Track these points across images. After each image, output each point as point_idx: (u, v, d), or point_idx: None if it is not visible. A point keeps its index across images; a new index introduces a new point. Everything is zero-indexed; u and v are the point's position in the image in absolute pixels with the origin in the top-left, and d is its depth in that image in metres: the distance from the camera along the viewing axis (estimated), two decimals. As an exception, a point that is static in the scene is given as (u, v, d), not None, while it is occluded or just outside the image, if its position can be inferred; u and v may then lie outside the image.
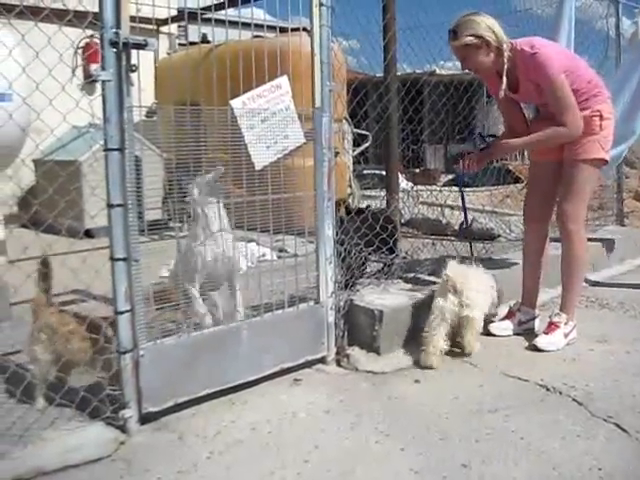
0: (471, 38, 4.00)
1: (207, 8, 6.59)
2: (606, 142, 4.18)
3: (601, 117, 4.12)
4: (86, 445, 2.89)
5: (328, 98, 3.71)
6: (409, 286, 4.50)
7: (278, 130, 3.51)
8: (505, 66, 4.04)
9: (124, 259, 2.89)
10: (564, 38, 5.85)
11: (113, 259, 2.89)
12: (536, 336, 4.29)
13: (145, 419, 3.08)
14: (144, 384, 3.01)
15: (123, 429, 2.99)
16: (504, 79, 4.07)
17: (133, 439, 2.98)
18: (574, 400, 3.41)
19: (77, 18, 3.20)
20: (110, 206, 2.86)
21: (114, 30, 2.81)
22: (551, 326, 4.28)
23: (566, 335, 4.25)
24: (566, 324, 4.27)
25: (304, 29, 4.30)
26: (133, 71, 2.88)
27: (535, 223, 4.49)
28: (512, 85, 4.15)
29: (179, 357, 3.17)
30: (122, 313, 2.92)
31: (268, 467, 2.78)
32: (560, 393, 3.51)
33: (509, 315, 4.56)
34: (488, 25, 4.01)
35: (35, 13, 3.20)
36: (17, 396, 3.11)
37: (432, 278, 4.68)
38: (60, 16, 3.45)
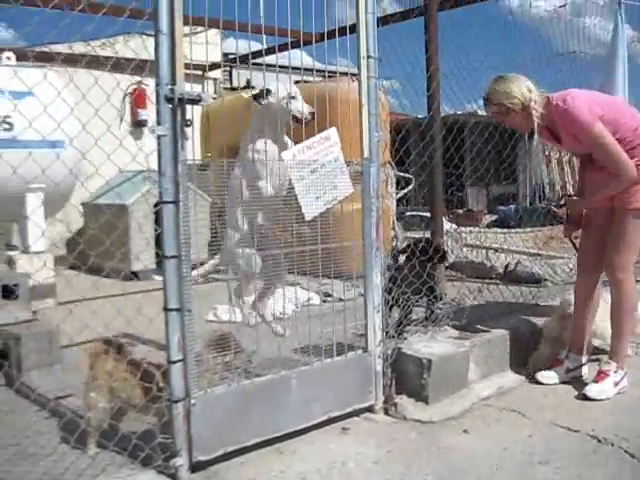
0: (496, 108, 4.24)
1: (257, 53, 6.76)
2: None
3: None
4: (137, 493, 2.93)
5: (376, 148, 3.76)
6: (456, 333, 4.50)
7: (327, 181, 3.57)
8: (535, 123, 4.16)
9: (177, 309, 2.94)
10: (621, 79, 5.84)
11: (167, 309, 2.95)
12: (585, 384, 4.24)
13: (195, 467, 3.10)
14: (195, 433, 3.04)
15: (174, 477, 3.02)
16: (536, 135, 4.21)
17: (184, 487, 3.01)
18: (627, 452, 3.37)
19: (125, 65, 3.32)
20: (165, 257, 2.92)
21: (169, 86, 2.90)
22: (601, 374, 4.24)
23: (616, 384, 4.20)
24: (616, 372, 4.22)
25: (347, 74, 4.41)
26: (188, 126, 2.96)
27: (588, 269, 4.47)
28: (556, 137, 4.27)
29: (229, 406, 3.20)
30: (175, 362, 2.96)
31: (319, 518, 2.79)
32: (612, 445, 3.46)
33: (556, 363, 4.52)
34: (511, 91, 4.16)
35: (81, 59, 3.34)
36: (71, 443, 3.16)
37: (479, 326, 4.68)
38: (108, 62, 3.59)
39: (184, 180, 2.93)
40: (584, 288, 4.49)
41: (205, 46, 3.77)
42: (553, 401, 4.14)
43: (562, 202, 4.56)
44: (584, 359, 4.51)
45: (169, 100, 2.90)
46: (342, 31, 3.91)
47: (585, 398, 4.12)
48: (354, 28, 3.77)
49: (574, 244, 4.87)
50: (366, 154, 3.72)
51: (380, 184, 3.80)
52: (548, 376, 4.44)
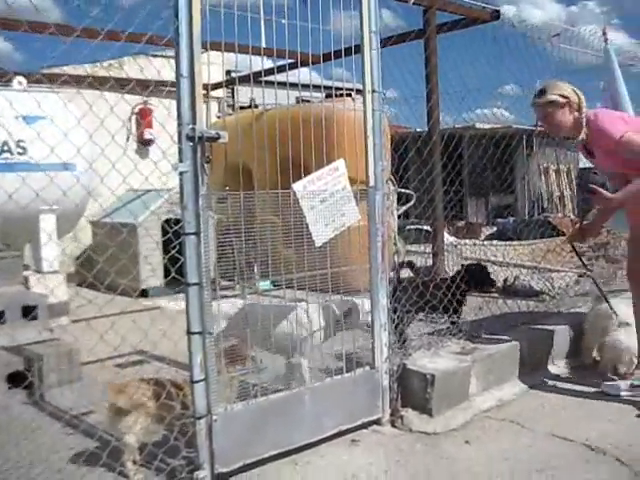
0: (556, 96, 4.33)
1: (261, 72, 6.93)
2: None
3: None
4: (165, 504, 3.16)
5: (381, 177, 4.00)
6: (458, 349, 4.72)
7: (336, 209, 3.80)
8: (584, 131, 4.31)
9: (199, 332, 3.17)
10: (621, 88, 6.04)
11: (189, 332, 3.17)
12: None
13: (217, 479, 3.31)
14: (216, 447, 3.26)
15: (197, 489, 3.25)
16: (581, 137, 4.35)
17: (207, 498, 3.23)
18: (618, 460, 3.59)
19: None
20: (187, 285, 3.15)
21: (191, 126, 3.13)
22: None
23: None
24: None
25: (349, 95, 4.65)
26: (208, 162, 3.18)
27: (636, 279, 4.57)
28: (591, 152, 4.44)
29: (248, 421, 3.43)
30: (198, 382, 3.19)
31: (333, 526, 3.01)
32: (604, 453, 3.68)
33: (625, 377, 4.71)
34: (573, 89, 4.36)
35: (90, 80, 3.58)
36: (103, 458, 3.32)
37: (480, 340, 4.90)
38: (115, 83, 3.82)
39: (205, 212, 3.15)
40: (638, 302, 4.59)
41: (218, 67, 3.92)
42: (550, 412, 4.36)
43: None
44: None
45: (190, 138, 3.13)
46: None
47: None
48: (358, 48, 4.01)
49: (576, 252, 5.13)
50: (371, 183, 3.96)
51: (385, 210, 4.04)
52: (613, 387, 4.60)
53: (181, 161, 3.14)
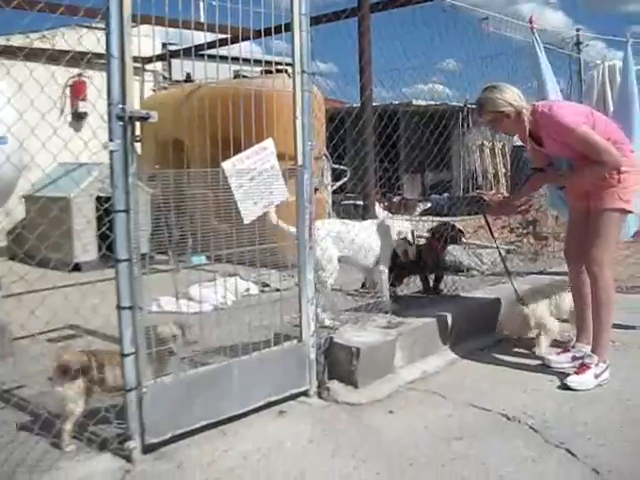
0: (492, 115, 4.57)
1: (197, 46, 6.92)
2: (625, 193, 4.43)
3: (619, 171, 4.39)
4: (96, 473, 3.23)
5: (309, 156, 4.10)
6: (385, 323, 4.89)
7: (264, 187, 3.89)
8: (527, 128, 4.52)
9: (130, 307, 3.25)
10: (550, 89, 6.22)
11: (120, 307, 3.25)
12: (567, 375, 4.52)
13: (147, 449, 3.41)
14: (146, 418, 3.36)
15: (128, 459, 3.33)
16: (527, 138, 4.60)
17: (137, 468, 3.32)
18: (531, 428, 3.80)
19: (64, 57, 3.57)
20: (117, 261, 3.22)
21: (121, 106, 3.18)
22: (583, 367, 4.49)
23: (597, 376, 4.43)
24: (597, 365, 4.47)
25: (279, 71, 4.73)
26: (137, 141, 3.25)
27: (575, 262, 4.76)
28: (539, 140, 4.60)
29: (177, 393, 3.53)
30: (128, 355, 3.28)
31: (258, 493, 3.13)
32: (519, 421, 3.89)
33: (564, 350, 4.88)
34: (506, 99, 4.48)
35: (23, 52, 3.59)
36: (34, 430, 3.42)
37: (406, 315, 5.06)
38: (48, 56, 3.84)
39: (134, 190, 3.22)
40: (577, 281, 4.79)
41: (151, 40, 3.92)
42: (471, 383, 4.55)
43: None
44: (588, 349, 4.68)
45: (120, 118, 3.19)
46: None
47: (567, 388, 4.38)
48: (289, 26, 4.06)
49: (489, 225, 5.39)
50: (300, 162, 4.07)
51: (313, 189, 4.15)
52: (558, 361, 4.79)
53: (111, 140, 3.19)
